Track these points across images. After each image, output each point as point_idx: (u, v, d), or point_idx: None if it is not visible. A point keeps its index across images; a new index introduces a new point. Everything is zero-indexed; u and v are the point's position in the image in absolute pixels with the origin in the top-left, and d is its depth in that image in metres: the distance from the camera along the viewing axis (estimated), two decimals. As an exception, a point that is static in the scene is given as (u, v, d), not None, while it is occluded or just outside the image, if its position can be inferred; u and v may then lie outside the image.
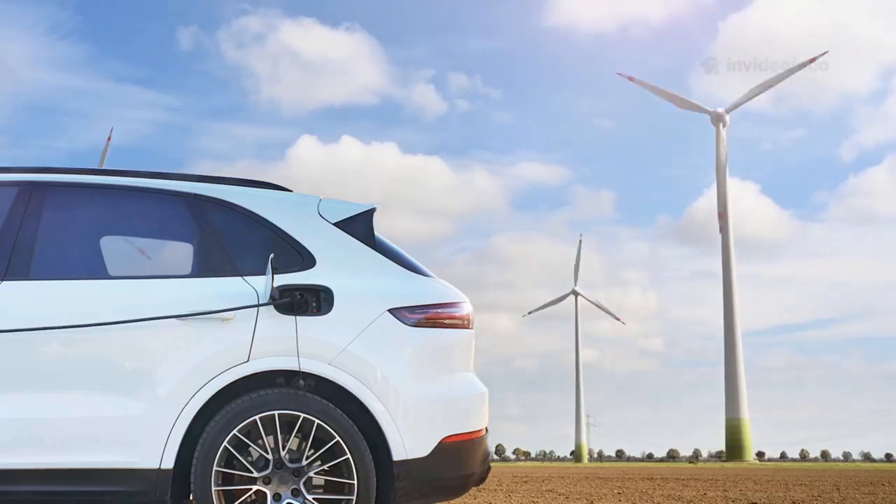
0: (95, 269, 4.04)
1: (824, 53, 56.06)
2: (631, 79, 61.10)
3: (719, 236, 57.36)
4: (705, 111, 58.44)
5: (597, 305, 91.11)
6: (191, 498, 3.72)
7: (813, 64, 55.59)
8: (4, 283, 3.83)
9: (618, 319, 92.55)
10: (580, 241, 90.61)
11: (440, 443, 3.82)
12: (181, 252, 4.17)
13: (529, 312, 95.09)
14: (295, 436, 3.75)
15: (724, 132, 57.91)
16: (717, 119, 58.05)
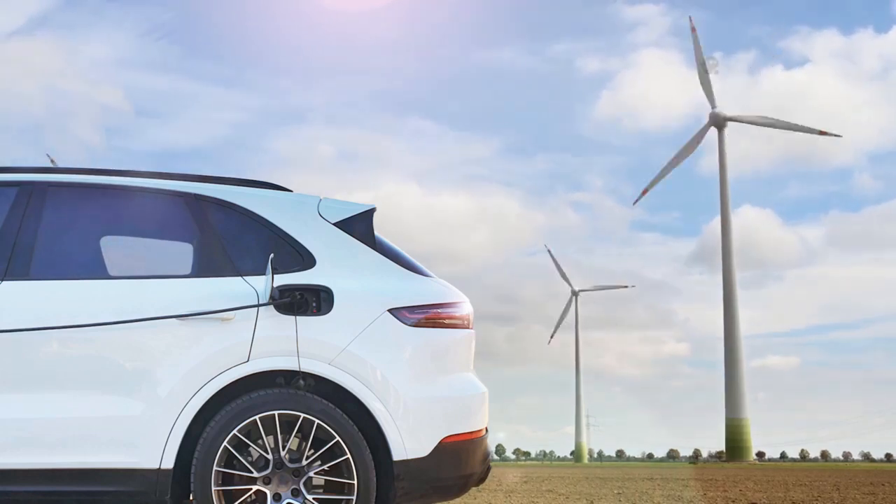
0: (95, 269, 4.04)
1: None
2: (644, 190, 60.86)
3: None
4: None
5: (600, 288, 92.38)
6: (191, 498, 3.72)
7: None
8: (4, 283, 3.82)
9: (625, 287, 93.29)
10: (549, 252, 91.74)
11: (440, 443, 3.82)
12: (181, 252, 4.16)
13: (551, 337, 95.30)
14: (295, 436, 3.74)
15: (723, 136, 57.60)
16: (716, 119, 57.76)
